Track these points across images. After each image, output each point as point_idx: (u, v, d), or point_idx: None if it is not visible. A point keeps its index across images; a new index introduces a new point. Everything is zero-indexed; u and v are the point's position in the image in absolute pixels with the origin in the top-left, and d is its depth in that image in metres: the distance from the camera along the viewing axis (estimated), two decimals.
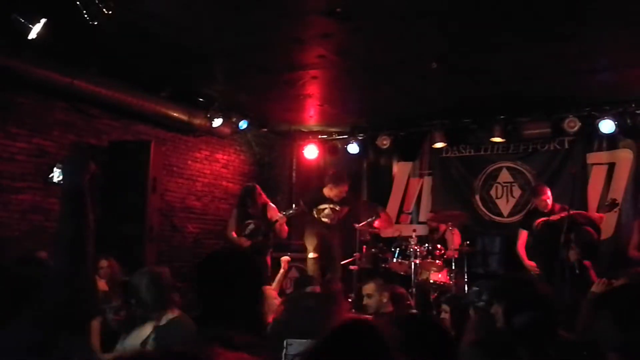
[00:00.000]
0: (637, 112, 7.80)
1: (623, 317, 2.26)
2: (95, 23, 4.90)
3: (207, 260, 2.46)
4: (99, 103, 7.11)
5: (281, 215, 7.34)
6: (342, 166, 9.98)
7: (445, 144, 9.13)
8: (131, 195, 6.97)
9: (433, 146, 9.26)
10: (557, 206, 7.33)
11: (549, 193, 7.26)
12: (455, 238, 7.95)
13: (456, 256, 7.71)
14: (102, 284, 5.38)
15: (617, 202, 7.00)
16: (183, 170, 8.60)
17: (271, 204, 7.67)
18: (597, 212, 7.29)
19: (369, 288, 5.00)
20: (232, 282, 2.23)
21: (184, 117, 8.01)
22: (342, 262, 7.91)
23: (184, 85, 7.70)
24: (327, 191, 7.65)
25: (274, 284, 6.52)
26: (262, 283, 2.33)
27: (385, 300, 4.79)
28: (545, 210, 7.22)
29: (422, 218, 9.45)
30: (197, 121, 8.17)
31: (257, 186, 7.79)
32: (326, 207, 7.68)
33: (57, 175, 2.19)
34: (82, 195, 2.04)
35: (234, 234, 7.56)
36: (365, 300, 4.98)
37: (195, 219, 8.73)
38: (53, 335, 1.85)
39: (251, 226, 7.41)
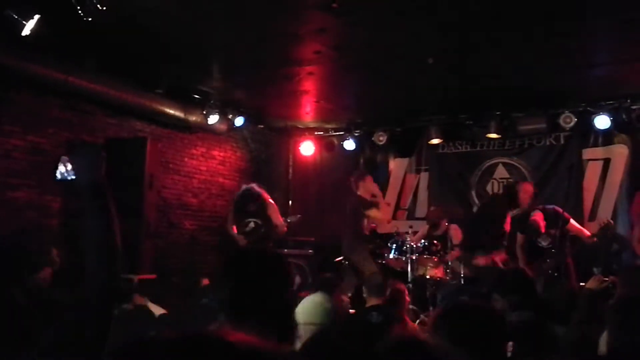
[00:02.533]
0: (633, 107, 7.81)
1: None
2: (90, 19, 4.88)
3: (238, 257, 2.30)
4: (94, 100, 7.08)
5: (283, 222, 7.37)
6: (339, 162, 10.01)
7: (442, 140, 9.14)
8: (128, 192, 6.94)
9: (429, 142, 9.26)
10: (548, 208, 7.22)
11: (531, 191, 7.21)
12: (455, 234, 7.95)
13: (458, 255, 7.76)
14: None
15: (611, 224, 6.97)
16: (179, 166, 8.59)
17: (271, 200, 7.66)
18: (593, 234, 7.10)
19: None
20: (262, 281, 2.07)
21: (180, 114, 8.00)
22: (339, 259, 7.93)
23: (180, 82, 7.68)
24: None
25: None
26: (289, 286, 2.11)
27: (365, 295, 4.91)
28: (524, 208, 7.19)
29: (419, 214, 9.46)
30: (193, 118, 8.16)
31: (257, 188, 7.78)
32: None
33: (62, 171, 2.07)
34: (103, 190, 1.98)
35: (234, 229, 7.56)
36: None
37: (191, 216, 8.71)
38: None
39: (251, 224, 7.41)
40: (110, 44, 6.23)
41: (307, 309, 4.76)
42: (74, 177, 2.05)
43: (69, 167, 2.07)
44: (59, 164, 2.06)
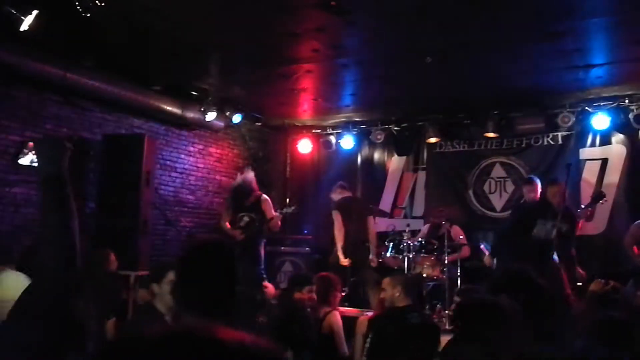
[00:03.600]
0: (631, 107, 7.82)
1: None
2: (88, 15, 4.87)
3: (188, 251, 2.41)
4: (92, 96, 7.07)
5: (277, 214, 7.32)
6: (336, 160, 10.02)
7: (439, 139, 9.15)
8: (125, 188, 6.95)
9: (427, 141, 9.27)
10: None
11: (539, 187, 7.22)
12: (456, 233, 7.98)
13: (467, 255, 7.82)
14: None
15: (603, 193, 6.97)
16: (176, 164, 8.58)
17: (265, 196, 7.65)
18: (586, 205, 7.18)
19: (384, 282, 4.99)
20: (209, 272, 2.20)
21: (177, 111, 7.99)
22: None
23: (178, 79, 7.68)
24: None
25: None
26: (235, 276, 2.23)
27: (397, 294, 4.76)
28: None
29: (416, 212, 9.47)
30: (191, 115, 8.14)
31: (250, 179, 7.76)
32: None
33: (28, 157, 2.00)
34: (63, 183, 1.88)
35: (228, 225, 7.54)
36: (382, 294, 4.97)
37: (188, 213, 8.71)
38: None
39: (245, 219, 7.40)
40: (109, 41, 6.22)
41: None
42: (35, 165, 1.96)
43: (34, 156, 1.98)
44: (24, 149, 2.00)
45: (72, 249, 1.83)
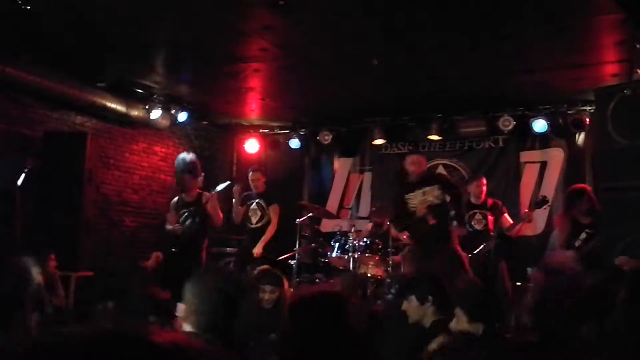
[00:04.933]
0: (569, 112, 8.11)
1: None
2: (28, 8, 4.73)
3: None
4: (33, 92, 6.86)
5: (211, 194, 6.81)
6: (283, 161, 10.02)
7: (385, 141, 9.27)
8: (67, 187, 6.78)
9: (373, 142, 9.38)
10: (490, 201, 7.62)
11: (484, 182, 7.52)
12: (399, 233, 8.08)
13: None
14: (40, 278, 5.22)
15: (547, 199, 7.24)
16: (120, 162, 8.41)
17: (207, 193, 7.52)
18: (528, 209, 7.54)
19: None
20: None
21: (122, 109, 7.84)
22: (282, 257, 7.93)
23: (123, 76, 7.53)
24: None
25: None
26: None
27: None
28: (478, 202, 7.47)
29: (362, 213, 9.56)
30: (135, 113, 8.01)
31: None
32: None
33: None
34: (12, 199, 1.92)
35: (173, 222, 7.40)
36: None
37: (132, 213, 8.55)
38: None
39: (185, 214, 7.26)
40: (51, 36, 6.05)
41: None
42: None
43: None
44: None
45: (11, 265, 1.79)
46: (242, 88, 7.85)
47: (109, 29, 5.85)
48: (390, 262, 7.48)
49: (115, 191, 8.30)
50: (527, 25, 5.63)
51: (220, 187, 6.89)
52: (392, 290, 5.10)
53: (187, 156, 6.97)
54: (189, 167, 6.82)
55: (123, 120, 8.12)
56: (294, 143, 9.77)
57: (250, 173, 7.79)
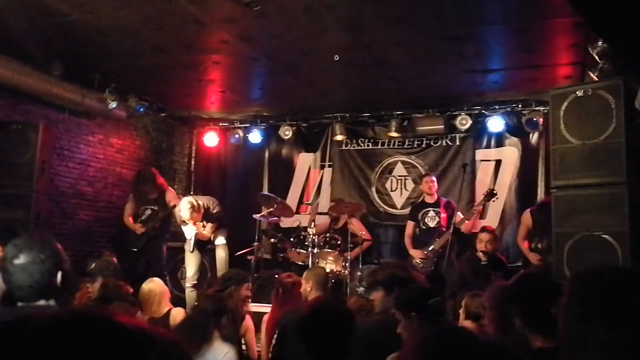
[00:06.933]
0: (523, 112, 8.30)
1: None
2: None
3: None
4: None
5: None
6: (243, 155, 9.97)
7: (345, 137, 9.32)
8: (17, 179, 6.58)
9: (333, 138, 9.41)
10: (443, 200, 7.78)
11: (434, 180, 7.83)
12: (359, 228, 8.18)
13: (368, 245, 8.15)
14: None
15: (494, 192, 7.48)
16: (75, 154, 8.21)
17: (170, 188, 7.48)
18: (478, 203, 7.77)
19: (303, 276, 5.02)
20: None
21: (77, 98, 7.63)
22: (240, 252, 7.92)
23: (78, 64, 7.32)
24: None
25: None
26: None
27: (309, 288, 4.79)
28: (431, 200, 7.67)
29: (321, 209, 9.57)
30: (92, 103, 7.81)
31: (155, 170, 7.57)
32: None
33: None
34: None
35: (131, 220, 7.30)
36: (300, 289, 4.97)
37: (87, 206, 8.36)
38: None
39: (147, 212, 7.21)
40: (3, 21, 5.85)
41: None
42: None
43: None
44: None
45: None
46: (202, 80, 7.75)
47: (63, 15, 5.67)
48: (348, 258, 7.53)
49: (70, 183, 8.11)
50: (484, 25, 5.73)
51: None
52: (363, 284, 5.16)
53: (148, 174, 7.21)
54: (150, 181, 7.08)
55: (78, 110, 7.92)
56: (254, 137, 9.72)
57: None
